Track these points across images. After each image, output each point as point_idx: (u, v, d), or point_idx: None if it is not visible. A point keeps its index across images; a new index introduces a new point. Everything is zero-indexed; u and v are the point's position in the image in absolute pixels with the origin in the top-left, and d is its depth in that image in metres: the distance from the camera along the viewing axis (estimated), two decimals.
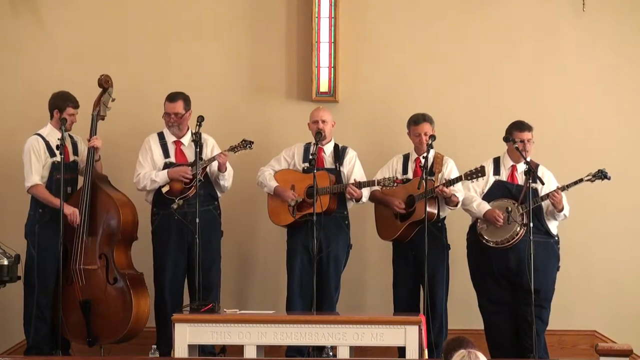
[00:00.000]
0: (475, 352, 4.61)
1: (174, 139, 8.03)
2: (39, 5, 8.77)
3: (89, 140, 7.93)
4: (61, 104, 7.93)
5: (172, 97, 8.01)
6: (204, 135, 7.96)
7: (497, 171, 7.95)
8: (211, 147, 8.04)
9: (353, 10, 8.70)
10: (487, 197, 7.89)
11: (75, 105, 7.96)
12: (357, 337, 7.02)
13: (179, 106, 7.98)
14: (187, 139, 8.00)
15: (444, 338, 7.68)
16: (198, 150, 7.72)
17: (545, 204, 7.74)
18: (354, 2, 8.70)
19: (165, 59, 8.75)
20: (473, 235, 7.90)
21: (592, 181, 7.69)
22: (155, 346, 7.54)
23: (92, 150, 7.90)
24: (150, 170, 7.96)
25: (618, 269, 8.55)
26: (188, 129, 8.02)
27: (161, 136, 8.05)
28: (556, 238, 7.87)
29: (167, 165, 7.98)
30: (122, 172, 8.27)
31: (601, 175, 7.67)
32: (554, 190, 7.67)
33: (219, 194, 8.10)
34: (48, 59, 8.75)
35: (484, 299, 7.92)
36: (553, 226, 7.86)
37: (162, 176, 7.92)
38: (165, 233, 7.92)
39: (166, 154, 8.02)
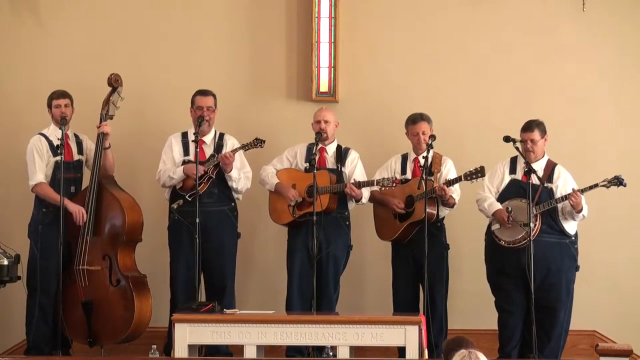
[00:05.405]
0: (476, 352, 4.61)
1: None
2: (39, 5, 8.77)
3: (98, 127, 7.90)
4: (48, 101, 7.96)
5: (204, 92, 8.05)
6: (226, 136, 8.06)
7: (513, 170, 7.91)
8: (230, 148, 8.01)
9: (353, 10, 8.70)
10: (503, 195, 7.83)
11: (59, 95, 7.92)
12: (357, 337, 7.02)
13: (210, 100, 8.02)
14: (209, 138, 8.02)
15: (443, 338, 7.67)
16: (197, 150, 7.73)
17: (561, 204, 7.68)
18: (354, 2, 8.70)
19: (165, 59, 8.74)
20: (490, 235, 7.86)
21: (608, 187, 7.64)
22: (155, 346, 7.54)
23: (102, 137, 7.87)
24: (171, 167, 7.98)
25: (618, 269, 8.55)
26: (212, 128, 8.05)
27: (184, 135, 8.06)
28: (573, 238, 7.80)
29: (185, 163, 7.98)
30: (125, 172, 8.27)
31: (617, 181, 7.60)
32: (574, 192, 7.60)
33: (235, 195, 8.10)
34: (48, 58, 8.75)
35: (501, 300, 7.83)
36: (570, 226, 7.77)
37: (178, 173, 7.94)
38: (178, 232, 7.94)
39: (186, 152, 8.02)
